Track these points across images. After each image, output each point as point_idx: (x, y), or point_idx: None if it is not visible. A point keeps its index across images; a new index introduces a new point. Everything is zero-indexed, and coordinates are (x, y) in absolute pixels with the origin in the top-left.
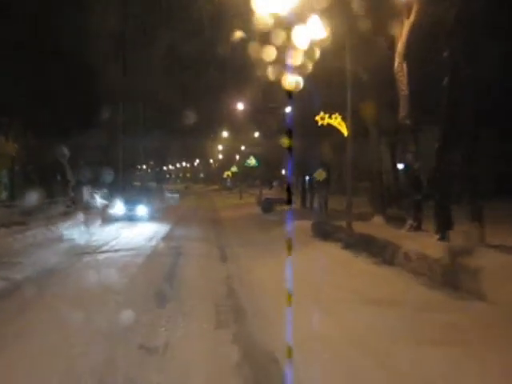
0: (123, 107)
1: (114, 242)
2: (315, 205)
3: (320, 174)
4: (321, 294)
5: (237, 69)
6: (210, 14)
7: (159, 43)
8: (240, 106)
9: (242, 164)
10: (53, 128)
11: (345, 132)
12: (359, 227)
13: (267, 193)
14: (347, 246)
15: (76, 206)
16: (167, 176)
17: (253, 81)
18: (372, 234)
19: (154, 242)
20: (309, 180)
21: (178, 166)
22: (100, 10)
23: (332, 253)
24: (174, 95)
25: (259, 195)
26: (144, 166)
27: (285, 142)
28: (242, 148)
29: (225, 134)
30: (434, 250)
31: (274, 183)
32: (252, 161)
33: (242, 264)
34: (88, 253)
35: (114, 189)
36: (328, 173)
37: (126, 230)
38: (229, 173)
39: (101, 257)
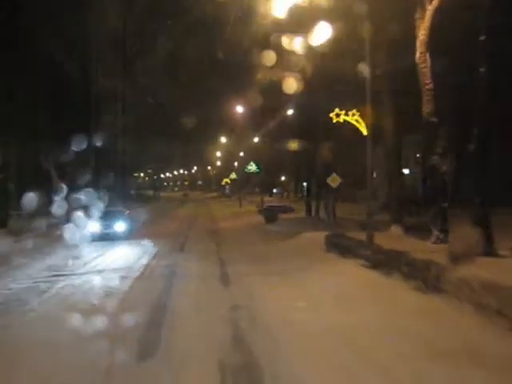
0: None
1: (99, 260)
2: (323, 213)
3: (334, 180)
4: (367, 344)
5: (237, 73)
6: (211, 20)
7: (159, 49)
8: (239, 109)
9: (242, 170)
10: (39, 133)
11: (363, 130)
12: (377, 239)
13: (268, 200)
14: (373, 264)
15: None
16: (165, 184)
17: (253, 85)
18: (396, 248)
19: (145, 260)
20: (317, 186)
21: (175, 173)
22: (101, 14)
23: (357, 274)
24: (172, 101)
25: (260, 203)
26: (142, 174)
27: (292, 145)
28: (241, 154)
29: (223, 139)
30: (500, 276)
31: (276, 190)
32: (252, 167)
33: (248, 289)
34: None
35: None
36: None
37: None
38: (227, 180)
39: (78, 280)
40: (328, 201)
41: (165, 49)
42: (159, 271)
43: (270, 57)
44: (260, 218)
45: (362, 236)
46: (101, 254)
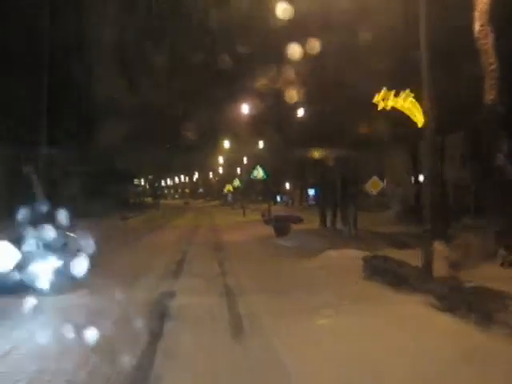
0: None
1: None
2: (339, 224)
3: (375, 185)
4: None
5: (241, 78)
6: (212, 28)
7: (160, 56)
8: (244, 112)
9: (247, 176)
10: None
11: (419, 120)
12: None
13: (273, 209)
14: (448, 305)
15: None
16: (165, 191)
17: (257, 89)
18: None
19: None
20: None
21: (176, 180)
22: (100, 20)
23: (432, 325)
24: (174, 108)
25: (267, 212)
26: (142, 182)
27: (314, 153)
28: (245, 161)
29: (226, 144)
30: None
31: (279, 198)
32: (259, 172)
33: (274, 345)
34: None
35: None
36: (355, 183)
37: None
38: (230, 187)
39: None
40: (348, 210)
41: (166, 58)
42: (145, 309)
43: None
44: (267, 230)
45: (397, 255)
46: None
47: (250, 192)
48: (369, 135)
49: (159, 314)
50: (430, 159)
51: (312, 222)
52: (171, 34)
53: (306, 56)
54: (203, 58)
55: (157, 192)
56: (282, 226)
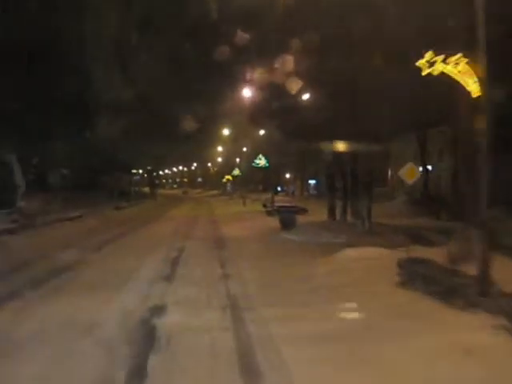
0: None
1: None
2: (351, 217)
3: (411, 173)
4: None
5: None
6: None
7: (159, 49)
8: (245, 98)
9: (247, 165)
10: None
11: (473, 88)
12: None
13: (276, 199)
14: None
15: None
16: (164, 181)
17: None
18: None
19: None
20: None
21: (175, 170)
22: (99, 15)
23: None
24: (172, 99)
25: (271, 202)
26: (140, 171)
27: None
28: (244, 149)
29: (226, 131)
30: None
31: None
32: (262, 160)
33: None
34: None
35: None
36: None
37: None
38: (229, 177)
39: None
40: (361, 202)
41: (164, 50)
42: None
43: None
44: (271, 222)
45: (425, 253)
46: None
47: (250, 182)
48: (377, 123)
49: (142, 346)
50: (484, 139)
51: (316, 212)
52: (170, 25)
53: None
54: (203, 48)
55: (154, 182)
56: (287, 219)
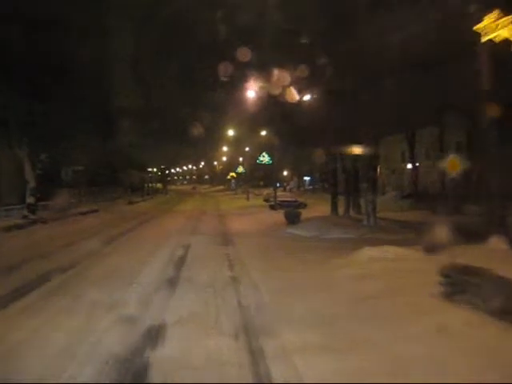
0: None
1: None
2: (353, 212)
3: (454, 164)
4: None
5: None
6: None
7: (171, 66)
8: (248, 100)
9: (251, 163)
10: None
11: None
12: (478, 261)
13: (279, 195)
14: None
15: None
16: (175, 178)
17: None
18: None
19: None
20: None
21: (185, 168)
22: (116, 31)
23: None
24: (183, 107)
25: (273, 197)
26: (155, 169)
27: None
28: (247, 149)
29: (231, 132)
30: None
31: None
32: (265, 158)
33: None
34: None
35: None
36: (375, 168)
37: None
38: (233, 174)
39: None
40: (367, 197)
41: (176, 66)
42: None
43: None
44: (275, 216)
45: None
46: None
47: (251, 178)
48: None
49: None
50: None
51: (315, 206)
52: (181, 46)
53: None
54: (210, 64)
55: (165, 178)
56: (292, 213)
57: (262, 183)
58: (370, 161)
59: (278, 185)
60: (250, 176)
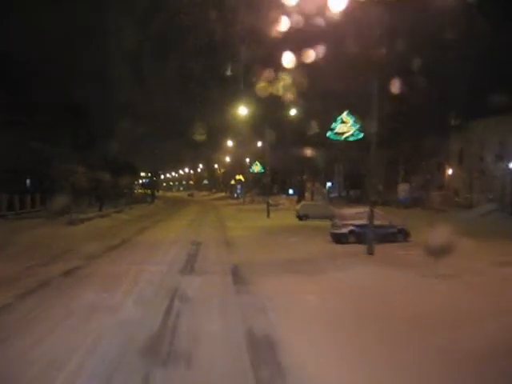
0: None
1: None
2: None
3: None
4: None
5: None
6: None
7: (172, 65)
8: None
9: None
10: None
11: None
12: None
13: (353, 213)
14: None
15: None
16: (170, 183)
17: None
18: None
19: None
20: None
21: (181, 172)
22: (117, 32)
23: None
24: (183, 110)
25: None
26: (149, 174)
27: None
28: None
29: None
30: None
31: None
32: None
33: None
34: None
35: None
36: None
37: None
38: (240, 176)
39: None
40: None
41: (176, 67)
42: None
43: None
44: (383, 272)
45: None
46: None
47: (258, 184)
48: None
49: None
50: None
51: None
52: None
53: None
54: (211, 69)
55: (154, 183)
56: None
57: (275, 189)
58: None
59: (290, 192)
60: (257, 182)
